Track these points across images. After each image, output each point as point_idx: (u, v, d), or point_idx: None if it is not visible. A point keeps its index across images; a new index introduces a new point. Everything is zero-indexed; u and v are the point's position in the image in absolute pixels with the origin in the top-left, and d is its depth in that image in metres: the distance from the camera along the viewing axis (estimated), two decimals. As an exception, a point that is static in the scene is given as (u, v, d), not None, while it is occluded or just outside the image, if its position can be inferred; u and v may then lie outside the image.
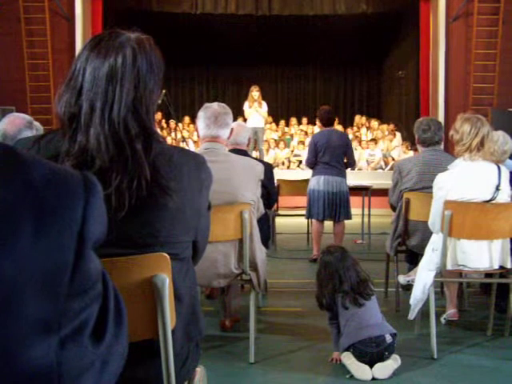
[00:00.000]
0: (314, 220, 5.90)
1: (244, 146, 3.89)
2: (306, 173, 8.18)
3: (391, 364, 2.85)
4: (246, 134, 3.98)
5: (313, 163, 5.79)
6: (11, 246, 0.59)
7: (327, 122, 5.85)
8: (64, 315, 0.64)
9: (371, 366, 2.82)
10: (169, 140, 10.93)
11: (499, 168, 3.18)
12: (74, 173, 0.68)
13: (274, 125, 13.54)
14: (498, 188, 3.12)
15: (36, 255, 0.60)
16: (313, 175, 5.83)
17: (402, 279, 4.25)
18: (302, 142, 12.14)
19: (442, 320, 3.61)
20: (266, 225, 4.08)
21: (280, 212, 6.83)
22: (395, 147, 11.98)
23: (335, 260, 2.99)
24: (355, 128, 13.32)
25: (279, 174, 8.09)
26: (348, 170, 6.12)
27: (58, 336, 0.64)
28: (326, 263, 3.01)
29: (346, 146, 5.79)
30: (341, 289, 2.93)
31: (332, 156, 5.66)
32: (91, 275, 0.68)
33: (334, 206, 5.71)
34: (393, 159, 11.40)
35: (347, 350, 2.89)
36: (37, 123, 3.31)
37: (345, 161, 5.79)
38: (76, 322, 0.66)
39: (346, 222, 5.88)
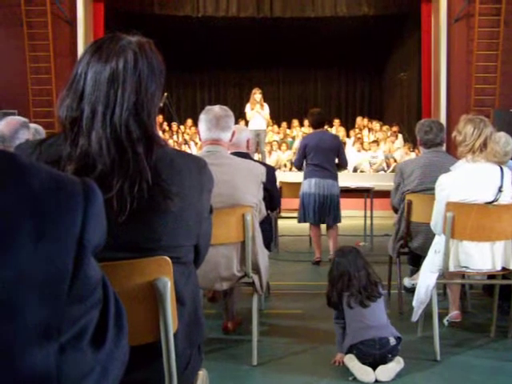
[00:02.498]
0: (310, 224, 5.88)
1: (243, 148, 3.86)
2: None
3: (394, 366, 2.84)
4: (245, 134, 3.92)
5: (300, 164, 5.78)
6: (11, 252, 0.59)
7: (318, 125, 5.82)
8: (64, 321, 0.64)
9: (374, 369, 2.81)
10: (170, 143, 10.93)
11: (502, 169, 3.17)
12: (73, 179, 0.68)
13: (275, 127, 13.54)
14: (500, 189, 3.11)
15: (36, 261, 0.60)
16: (304, 178, 5.78)
17: (407, 282, 4.25)
18: (304, 144, 12.11)
19: (445, 322, 3.60)
20: (268, 227, 4.07)
21: (282, 214, 6.81)
22: (397, 149, 11.97)
23: (347, 260, 3.04)
24: (357, 130, 13.31)
25: (281, 177, 8.07)
26: (350, 173, 6.10)
27: (58, 342, 0.64)
28: (338, 263, 3.07)
29: (338, 148, 5.74)
30: (349, 288, 2.97)
31: (323, 158, 5.62)
32: (91, 281, 0.68)
33: (324, 209, 5.68)
34: (395, 161, 11.37)
35: (350, 351, 2.89)
36: (39, 127, 3.32)
37: (336, 162, 5.75)
38: (76, 328, 0.66)
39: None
